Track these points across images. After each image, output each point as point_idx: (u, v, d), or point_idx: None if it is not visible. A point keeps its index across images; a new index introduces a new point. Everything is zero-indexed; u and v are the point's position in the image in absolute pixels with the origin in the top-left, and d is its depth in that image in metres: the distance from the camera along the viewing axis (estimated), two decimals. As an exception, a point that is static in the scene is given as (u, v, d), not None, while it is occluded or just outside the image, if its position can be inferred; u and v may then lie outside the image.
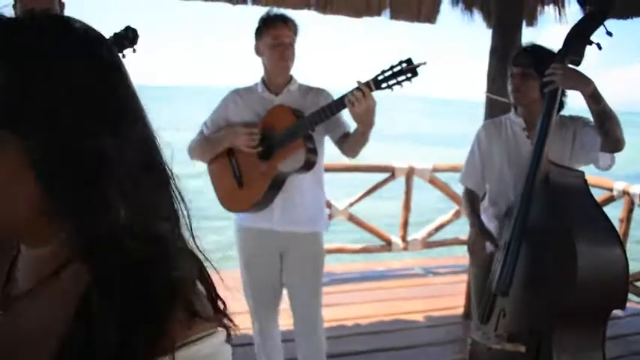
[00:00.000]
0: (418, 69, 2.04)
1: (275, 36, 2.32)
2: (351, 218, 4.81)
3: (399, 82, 2.05)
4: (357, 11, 3.95)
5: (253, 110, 2.43)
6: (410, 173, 4.88)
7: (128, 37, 1.89)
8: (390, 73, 2.05)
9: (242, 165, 2.42)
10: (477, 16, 3.94)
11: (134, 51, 1.92)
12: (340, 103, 2.17)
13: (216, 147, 2.45)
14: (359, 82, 2.11)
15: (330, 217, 4.67)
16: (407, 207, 4.93)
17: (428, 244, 5.03)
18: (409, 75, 2.03)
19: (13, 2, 2.13)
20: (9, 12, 0.56)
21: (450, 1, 3.97)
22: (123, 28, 1.91)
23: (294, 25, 2.37)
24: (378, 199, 5.38)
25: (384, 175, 4.88)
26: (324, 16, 3.96)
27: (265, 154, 2.34)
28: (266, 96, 2.43)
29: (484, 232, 2.33)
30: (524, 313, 2.05)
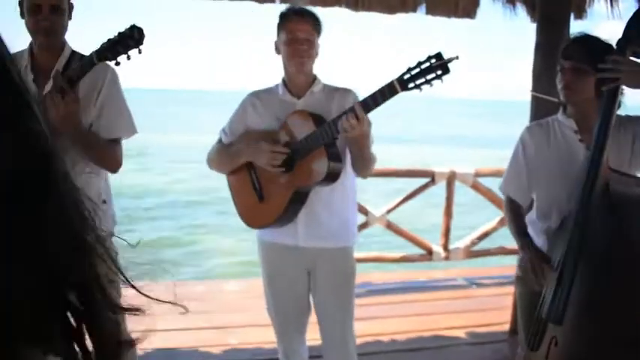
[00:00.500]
0: (450, 64, 1.77)
1: (290, 30, 2.15)
2: (389, 226, 4.60)
3: (428, 81, 1.80)
4: (390, 7, 3.75)
5: (273, 114, 2.25)
6: (451, 178, 4.63)
7: (133, 36, 1.76)
8: (417, 70, 1.79)
9: (262, 177, 2.25)
10: (520, 9, 3.67)
11: (140, 52, 1.79)
12: (335, 128, 1.99)
13: (236, 160, 2.29)
14: (355, 104, 1.92)
15: (367, 224, 4.50)
16: (448, 214, 4.68)
17: (471, 253, 4.76)
18: (439, 72, 1.78)
19: (20, 1, 2.04)
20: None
21: (490, -7, 3.71)
22: (128, 27, 1.77)
23: (314, 20, 2.18)
24: (418, 206, 5.14)
25: (424, 180, 4.64)
26: (355, 13, 3.78)
27: (286, 164, 2.16)
28: (287, 99, 2.25)
29: (541, 257, 2.00)
30: (581, 344, 1.79)
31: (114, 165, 2.16)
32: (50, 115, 1.86)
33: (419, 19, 3.96)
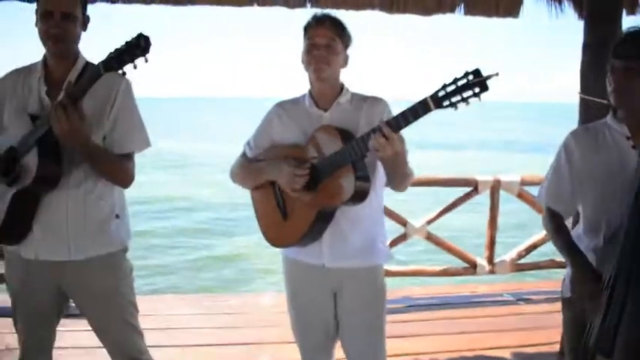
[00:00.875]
0: (489, 82, 1.61)
1: (309, 37, 2.05)
2: (430, 237, 4.40)
3: (464, 99, 1.64)
4: (427, 9, 3.59)
5: (300, 127, 2.14)
6: (495, 187, 4.40)
7: (140, 45, 1.69)
8: (453, 87, 1.64)
9: (286, 195, 2.12)
10: (567, 6, 3.46)
11: (146, 60, 1.72)
12: (364, 145, 1.85)
13: (258, 177, 2.18)
14: (381, 122, 1.77)
15: (406, 236, 4.32)
16: (493, 225, 4.44)
17: (518, 266, 4.51)
18: (477, 90, 1.61)
19: (36, 8, 2.00)
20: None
21: (534, -10, 3.50)
22: (135, 35, 1.71)
23: (336, 25, 2.05)
24: (461, 216, 4.92)
25: (466, 189, 4.42)
26: (390, 15, 3.64)
27: (311, 182, 2.03)
28: (313, 111, 2.13)
29: (594, 276, 1.77)
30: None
31: (125, 180, 2.09)
32: (55, 130, 1.81)
33: (457, 19, 3.78)
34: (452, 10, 3.59)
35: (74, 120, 1.80)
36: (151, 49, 1.71)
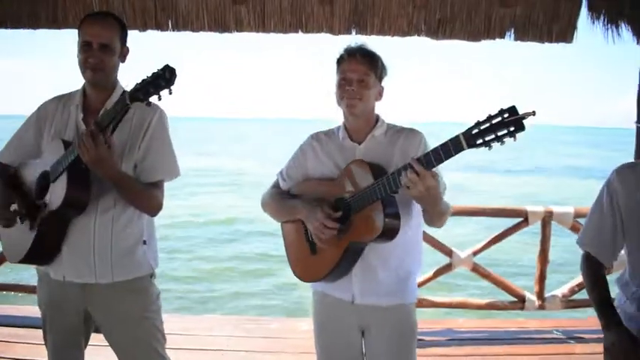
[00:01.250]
0: (525, 121, 1.52)
1: (341, 71, 2.03)
2: (476, 269, 4.22)
3: (498, 138, 1.55)
4: (475, 34, 3.49)
5: (333, 161, 2.11)
6: (547, 218, 4.19)
7: (165, 77, 1.72)
8: (487, 125, 1.56)
9: None
10: (624, 30, 3.27)
11: (170, 92, 1.74)
12: (394, 182, 1.78)
13: (291, 215, 2.15)
14: (412, 159, 1.70)
15: (451, 266, 4.17)
16: (543, 258, 4.23)
17: (570, 303, 4.25)
18: (512, 128, 1.53)
19: (78, 39, 2.07)
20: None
21: (588, 14, 3.34)
22: (161, 67, 1.73)
23: (369, 58, 2.02)
24: (509, 247, 4.71)
25: (516, 220, 4.24)
26: (437, 42, 3.56)
27: (341, 217, 1.98)
28: (347, 145, 2.10)
29: (630, 341, 1.68)
30: None
31: (152, 208, 2.11)
32: (82, 157, 1.85)
33: (507, 45, 3.66)
34: (501, 35, 3.48)
35: (101, 148, 1.84)
36: (176, 80, 1.72)
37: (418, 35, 3.50)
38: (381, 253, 2.00)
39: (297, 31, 3.56)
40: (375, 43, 2.12)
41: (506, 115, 1.52)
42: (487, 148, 1.57)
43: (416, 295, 2.14)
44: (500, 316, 4.55)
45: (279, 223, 2.25)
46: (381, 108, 2.13)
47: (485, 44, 3.51)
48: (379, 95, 2.08)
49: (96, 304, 2.13)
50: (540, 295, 4.22)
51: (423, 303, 4.14)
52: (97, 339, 2.27)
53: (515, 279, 4.50)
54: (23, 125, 2.23)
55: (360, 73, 1.98)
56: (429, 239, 4.15)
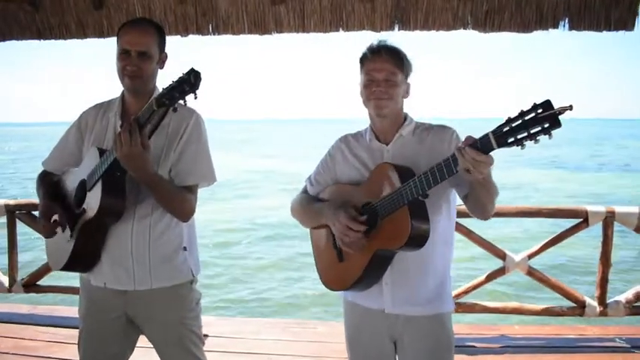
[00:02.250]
0: (561, 116, 1.38)
1: (366, 71, 1.94)
2: (531, 273, 4.00)
3: (531, 136, 1.42)
4: (525, 25, 3.32)
5: (362, 163, 2.03)
6: (609, 219, 3.92)
7: (190, 81, 1.68)
8: (519, 122, 1.44)
9: None
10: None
11: (195, 97, 1.70)
12: (452, 166, 1.64)
13: (316, 220, 2.09)
14: (464, 144, 1.56)
15: (504, 270, 3.98)
16: (606, 261, 3.95)
17: (634, 309, 3.96)
18: (546, 125, 1.39)
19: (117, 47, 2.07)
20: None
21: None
22: (186, 71, 1.70)
23: (394, 55, 1.92)
24: (568, 250, 4.46)
25: (575, 221, 3.99)
26: (485, 35, 3.40)
27: (368, 223, 1.89)
28: (374, 146, 2.02)
29: None
30: None
31: (184, 213, 2.08)
32: (117, 153, 1.84)
33: (560, 35, 3.46)
34: (554, 25, 3.29)
35: (136, 145, 1.81)
36: (201, 84, 1.69)
37: (464, 28, 3.36)
38: (413, 259, 1.90)
39: (337, 30, 3.49)
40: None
41: (540, 111, 1.40)
42: (520, 147, 1.45)
43: (452, 303, 2.02)
44: (558, 322, 4.31)
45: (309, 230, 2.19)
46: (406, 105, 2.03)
47: (538, 37, 3.32)
48: (406, 93, 1.98)
49: (136, 309, 2.14)
50: (602, 300, 3.96)
51: (474, 308, 3.98)
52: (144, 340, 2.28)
53: (575, 283, 4.24)
54: (66, 133, 2.26)
55: (387, 71, 1.89)
56: (480, 242, 3.99)
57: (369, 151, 2.02)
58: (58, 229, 2.11)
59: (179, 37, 3.64)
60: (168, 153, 2.05)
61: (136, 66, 2.01)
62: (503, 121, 1.47)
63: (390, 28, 3.42)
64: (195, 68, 1.68)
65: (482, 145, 1.52)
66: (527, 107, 1.43)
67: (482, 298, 4.11)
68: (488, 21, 3.31)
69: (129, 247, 2.05)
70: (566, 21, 3.27)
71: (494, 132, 1.49)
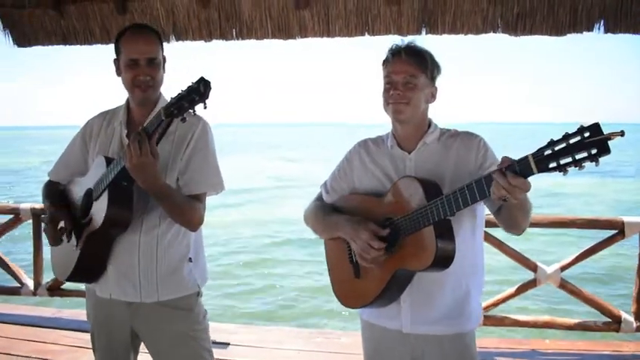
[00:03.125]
0: (610, 142, 1.25)
1: (386, 74, 1.84)
2: (564, 285, 3.85)
3: (576, 162, 1.29)
4: (558, 28, 3.20)
5: (382, 171, 1.92)
6: (647, 230, 3.74)
7: (199, 90, 1.62)
8: (562, 146, 1.31)
9: None
10: None
11: (205, 106, 1.64)
12: (485, 188, 1.51)
13: (333, 232, 1.98)
14: (500, 166, 1.43)
15: (536, 282, 3.83)
16: (643, 274, 3.77)
17: (675, 326, 3.76)
18: (594, 151, 1.26)
19: (114, 58, 2.04)
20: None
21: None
22: (196, 80, 1.64)
23: (416, 56, 1.81)
24: (603, 262, 4.28)
25: (610, 233, 3.82)
26: (516, 38, 3.29)
27: (388, 241, 1.79)
28: (396, 153, 1.91)
29: None
30: None
31: (192, 222, 2.02)
32: (126, 162, 1.79)
33: (595, 38, 3.30)
34: (589, 27, 3.15)
35: (146, 155, 1.76)
36: (210, 93, 1.63)
37: (494, 32, 3.25)
38: (434, 278, 1.79)
39: (362, 34, 3.42)
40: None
41: (586, 134, 1.26)
42: (562, 173, 1.32)
43: (478, 321, 1.90)
44: (592, 337, 4.13)
45: (323, 241, 2.09)
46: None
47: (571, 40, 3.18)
48: (432, 97, 1.86)
49: (141, 322, 2.09)
50: (639, 315, 3.78)
51: (504, 321, 3.85)
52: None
53: (610, 297, 4.06)
54: (71, 142, 2.23)
55: (406, 74, 1.78)
56: (511, 253, 3.86)
57: (390, 159, 1.91)
58: (64, 238, 2.08)
59: (202, 42, 3.62)
60: (175, 161, 2.00)
61: (148, 75, 1.96)
62: (545, 144, 1.34)
63: (417, 32, 3.33)
64: (206, 77, 1.62)
65: (521, 169, 1.39)
66: (572, 130, 1.30)
67: (512, 310, 3.97)
68: (519, 24, 3.20)
69: (136, 260, 2.00)
70: (602, 23, 3.13)
71: (534, 155, 1.36)
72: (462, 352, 1.86)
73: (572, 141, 1.29)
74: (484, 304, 3.83)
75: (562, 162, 1.31)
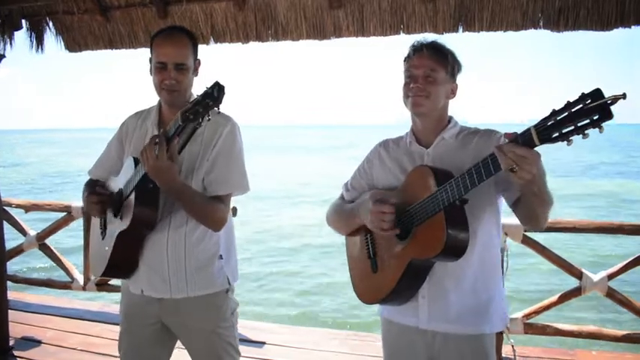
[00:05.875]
0: (613, 107, 1.21)
1: (406, 69, 1.82)
2: (611, 294, 3.64)
3: (579, 129, 1.25)
4: (604, 22, 3.01)
5: (400, 167, 1.90)
6: None
7: (213, 95, 1.64)
8: (564, 115, 1.27)
9: (378, 244, 1.90)
10: None
11: (218, 110, 1.68)
12: (491, 165, 1.47)
13: (351, 221, 1.98)
14: (506, 135, 1.42)
15: (581, 290, 3.65)
16: (700, 284, 3.53)
17: None
18: (596, 117, 1.23)
19: (150, 57, 2.07)
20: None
21: None
22: (211, 85, 1.66)
23: (436, 52, 1.79)
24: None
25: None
26: (559, 34, 3.14)
27: (403, 231, 1.76)
28: (414, 149, 1.89)
29: None
30: None
31: (215, 223, 2.04)
32: (144, 165, 1.83)
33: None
34: (638, 21, 2.97)
35: (162, 159, 1.80)
36: (224, 97, 1.65)
37: (535, 28, 3.12)
38: (453, 272, 1.75)
39: (398, 33, 3.36)
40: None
41: (588, 101, 1.23)
42: (566, 142, 1.28)
43: (500, 325, 1.82)
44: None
45: (344, 239, 2.08)
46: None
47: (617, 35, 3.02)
48: (452, 93, 1.84)
49: (171, 317, 2.13)
50: (695, 328, 3.54)
51: (546, 330, 3.68)
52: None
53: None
54: (109, 142, 2.29)
55: (426, 68, 1.76)
56: (555, 259, 3.69)
57: (408, 155, 1.90)
58: (99, 234, 2.15)
59: (240, 44, 3.67)
60: (202, 161, 2.03)
61: (174, 79, 1.99)
62: (548, 114, 1.31)
63: (454, 29, 3.24)
64: (220, 82, 1.64)
65: (524, 142, 1.37)
66: (574, 98, 1.26)
67: (556, 318, 3.80)
68: (562, 19, 3.05)
69: (165, 256, 2.04)
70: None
71: (536, 126, 1.34)
72: (480, 355, 1.79)
73: (573, 109, 1.26)
74: (525, 311, 3.69)
75: (564, 131, 1.27)
